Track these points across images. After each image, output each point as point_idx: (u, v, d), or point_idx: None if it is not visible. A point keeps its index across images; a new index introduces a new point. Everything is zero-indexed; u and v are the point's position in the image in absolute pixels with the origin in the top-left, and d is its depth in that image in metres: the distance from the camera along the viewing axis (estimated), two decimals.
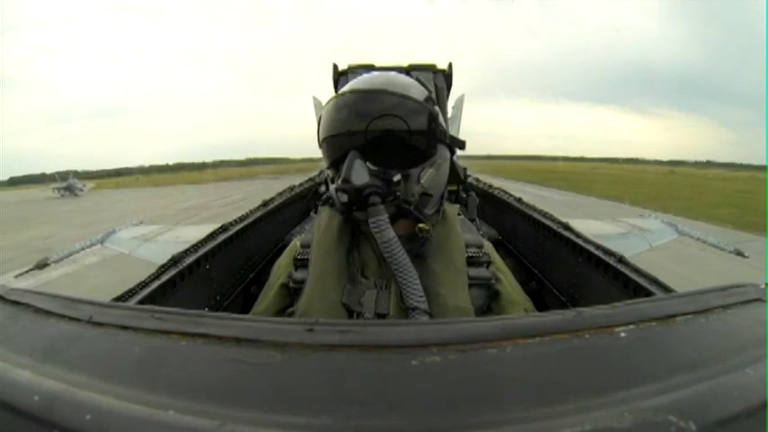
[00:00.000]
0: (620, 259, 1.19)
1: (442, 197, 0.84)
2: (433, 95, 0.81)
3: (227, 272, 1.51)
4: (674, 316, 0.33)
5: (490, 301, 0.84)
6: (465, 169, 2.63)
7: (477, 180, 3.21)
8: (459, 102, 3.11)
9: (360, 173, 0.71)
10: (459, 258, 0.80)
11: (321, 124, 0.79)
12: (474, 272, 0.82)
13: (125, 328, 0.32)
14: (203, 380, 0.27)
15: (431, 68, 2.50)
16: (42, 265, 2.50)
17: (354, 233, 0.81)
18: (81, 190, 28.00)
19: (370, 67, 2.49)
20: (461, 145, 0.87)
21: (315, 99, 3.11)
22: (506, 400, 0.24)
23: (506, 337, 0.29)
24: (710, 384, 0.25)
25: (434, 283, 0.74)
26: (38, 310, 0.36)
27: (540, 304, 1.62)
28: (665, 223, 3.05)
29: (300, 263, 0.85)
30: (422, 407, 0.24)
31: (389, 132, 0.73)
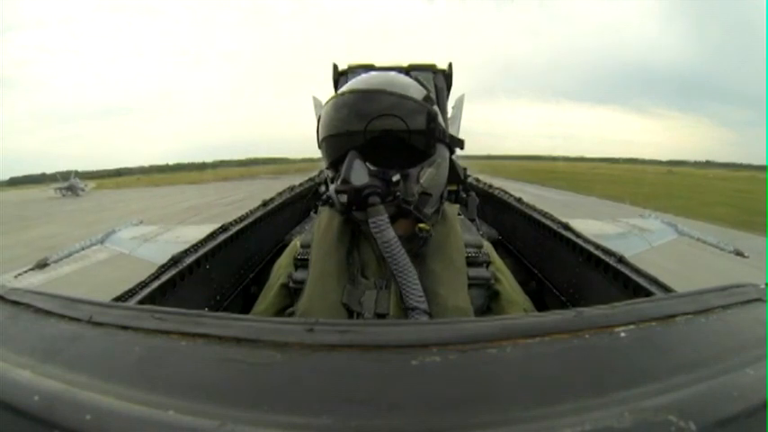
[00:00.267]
0: (620, 259, 1.18)
1: (441, 197, 0.84)
2: (433, 95, 0.81)
3: (227, 272, 1.51)
4: (674, 316, 0.33)
5: (490, 301, 0.84)
6: (465, 169, 2.62)
7: (478, 180, 3.21)
8: (459, 102, 3.10)
9: (359, 173, 0.71)
10: (459, 258, 0.80)
11: (320, 124, 0.79)
12: (473, 272, 0.82)
13: (125, 328, 0.32)
14: (203, 380, 0.27)
15: (431, 68, 2.50)
16: (42, 265, 2.50)
17: (354, 233, 0.81)
18: (83, 190, 28.05)
19: (370, 67, 2.48)
20: (461, 144, 0.87)
21: (315, 99, 3.11)
22: (506, 400, 0.24)
23: (506, 337, 0.29)
24: (710, 384, 0.25)
25: (434, 283, 0.74)
26: (38, 310, 0.36)
27: (540, 304, 1.62)
28: (664, 223, 3.05)
29: (300, 263, 0.85)
30: (422, 407, 0.24)
31: (388, 132, 0.73)
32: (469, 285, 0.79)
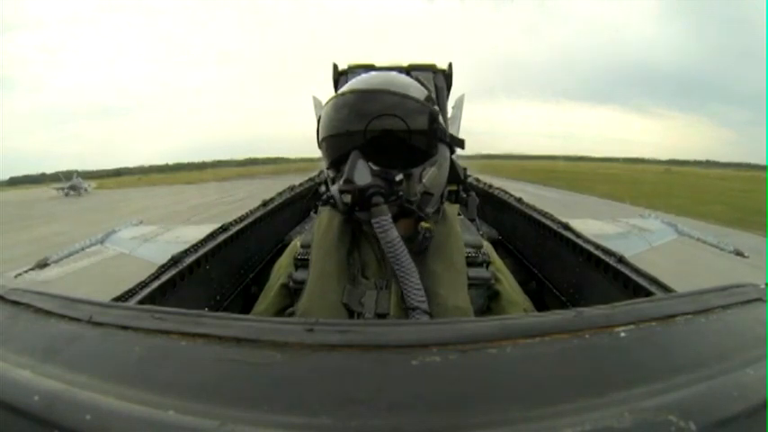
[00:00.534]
0: (620, 259, 1.18)
1: (442, 196, 0.84)
2: (433, 95, 0.82)
3: (227, 272, 1.51)
4: (674, 316, 0.33)
5: (490, 301, 0.84)
6: (465, 169, 2.62)
7: (478, 180, 3.21)
8: (460, 101, 3.10)
9: (362, 173, 0.71)
10: (459, 258, 0.80)
11: (321, 124, 0.79)
12: (473, 272, 0.82)
13: (125, 328, 0.32)
14: (203, 380, 0.27)
15: (431, 68, 2.50)
16: (42, 265, 2.51)
17: (355, 233, 0.81)
18: (85, 189, 28.09)
19: (370, 67, 2.48)
20: (461, 144, 0.87)
21: (315, 99, 3.10)
22: (506, 400, 0.24)
23: (506, 337, 0.29)
24: (710, 384, 0.25)
25: (434, 283, 0.74)
26: (38, 310, 0.36)
27: (540, 304, 1.62)
28: (664, 223, 3.05)
29: (301, 263, 0.85)
30: (422, 407, 0.24)
31: (389, 132, 0.73)
32: (469, 285, 0.79)
